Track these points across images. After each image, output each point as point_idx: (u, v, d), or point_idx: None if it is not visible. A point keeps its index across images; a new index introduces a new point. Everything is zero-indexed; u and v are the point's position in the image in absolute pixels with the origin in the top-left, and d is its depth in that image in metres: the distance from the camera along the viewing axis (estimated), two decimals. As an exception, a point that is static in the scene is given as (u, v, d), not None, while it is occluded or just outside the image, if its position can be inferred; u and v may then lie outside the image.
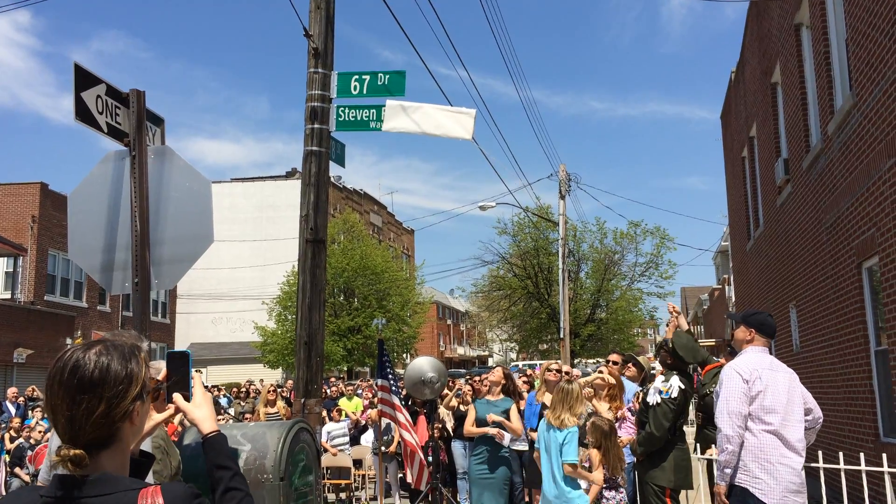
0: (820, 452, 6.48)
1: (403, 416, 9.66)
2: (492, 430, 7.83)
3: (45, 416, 12.58)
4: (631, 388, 8.10)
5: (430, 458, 9.74)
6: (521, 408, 8.75)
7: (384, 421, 10.40)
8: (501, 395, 8.23)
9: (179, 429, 4.44)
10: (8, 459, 11.78)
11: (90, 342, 1.81)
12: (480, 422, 7.97)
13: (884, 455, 6.49)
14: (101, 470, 1.74)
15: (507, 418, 7.95)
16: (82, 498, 1.69)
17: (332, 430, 12.07)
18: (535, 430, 7.92)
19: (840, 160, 9.10)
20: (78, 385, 1.72)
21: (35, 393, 16.60)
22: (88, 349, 1.77)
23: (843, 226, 9.13)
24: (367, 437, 12.47)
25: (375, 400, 10.67)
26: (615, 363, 8.54)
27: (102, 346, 1.79)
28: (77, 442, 1.72)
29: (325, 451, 11.56)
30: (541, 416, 7.83)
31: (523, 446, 8.58)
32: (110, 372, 1.75)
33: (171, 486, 1.75)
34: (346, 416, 13.22)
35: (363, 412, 14.01)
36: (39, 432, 11.99)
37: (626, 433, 7.35)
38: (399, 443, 10.23)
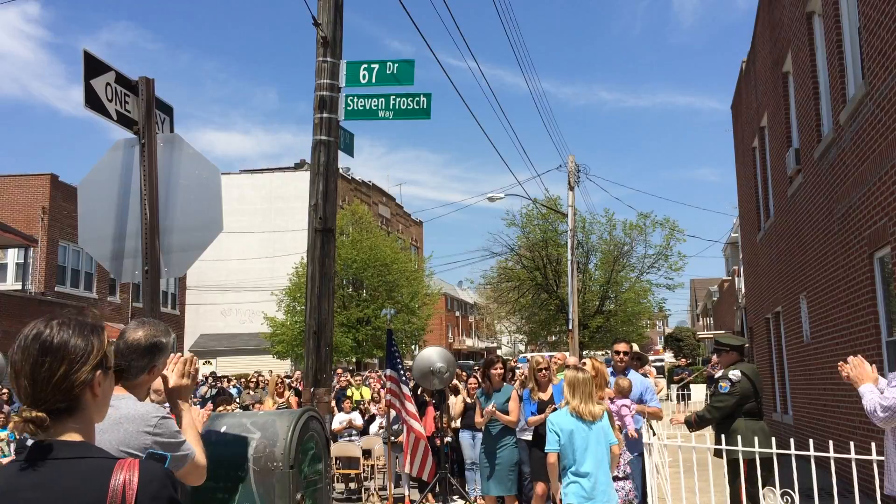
0: (831, 442, 6.45)
1: (413, 405, 9.70)
2: (503, 417, 8.05)
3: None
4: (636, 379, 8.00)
5: (440, 447, 9.76)
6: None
7: (392, 411, 10.43)
8: (503, 384, 8.42)
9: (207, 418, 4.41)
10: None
11: (51, 315, 1.88)
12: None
13: None
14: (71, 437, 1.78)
15: (507, 406, 8.14)
16: (55, 459, 1.71)
17: (344, 420, 12.24)
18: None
19: (852, 150, 9.03)
20: (40, 348, 1.78)
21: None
22: (51, 320, 1.85)
23: (854, 216, 9.06)
24: (377, 427, 12.53)
25: (384, 391, 10.70)
26: (625, 353, 8.41)
27: (64, 318, 1.86)
28: (39, 406, 1.76)
29: (338, 437, 11.77)
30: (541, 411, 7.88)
31: (530, 436, 8.60)
32: (71, 338, 1.82)
33: (150, 465, 1.77)
34: (358, 406, 13.30)
35: (370, 402, 14.11)
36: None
37: (632, 425, 7.33)
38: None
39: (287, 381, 15.89)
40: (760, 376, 7.14)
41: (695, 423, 7.28)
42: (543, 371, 8.05)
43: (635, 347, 8.70)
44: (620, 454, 6.41)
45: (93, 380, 1.83)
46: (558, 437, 5.79)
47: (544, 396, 7.96)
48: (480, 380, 9.02)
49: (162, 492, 1.73)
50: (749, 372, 7.06)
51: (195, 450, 3.00)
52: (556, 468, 5.88)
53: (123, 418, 2.85)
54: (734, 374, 6.97)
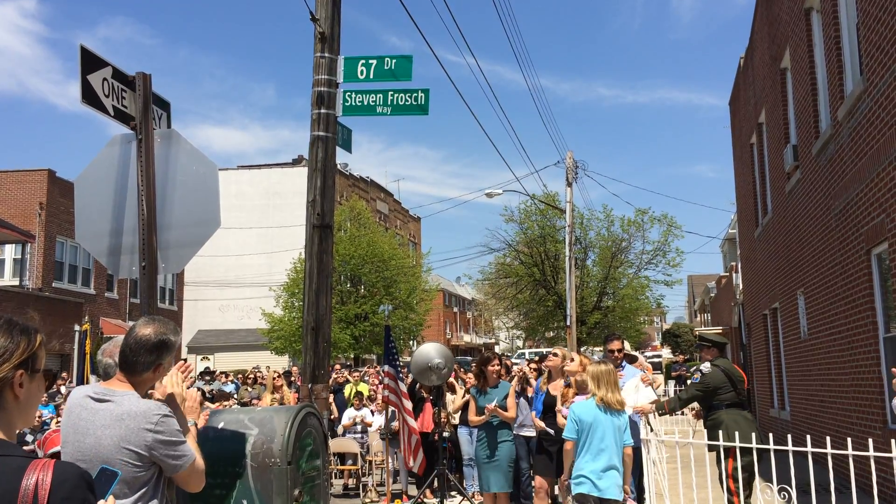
0: (828, 438, 6.45)
1: (409, 402, 9.72)
2: (503, 413, 7.99)
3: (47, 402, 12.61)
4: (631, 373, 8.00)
5: (438, 443, 9.77)
6: (530, 394, 8.75)
7: (391, 407, 10.44)
8: (499, 381, 8.36)
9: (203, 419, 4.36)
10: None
11: None
12: (481, 411, 8.12)
13: (892, 441, 6.45)
14: None
15: (506, 402, 8.08)
16: None
17: (356, 416, 12.36)
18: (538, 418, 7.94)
19: (850, 146, 9.03)
20: None
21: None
22: None
23: (852, 212, 9.07)
24: (375, 423, 12.55)
25: (381, 386, 10.70)
26: (619, 350, 8.41)
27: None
28: None
29: (346, 432, 12.03)
30: (547, 405, 7.83)
31: (531, 432, 8.60)
32: None
33: (65, 466, 1.74)
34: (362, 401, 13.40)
35: (366, 398, 14.15)
36: (50, 417, 12.06)
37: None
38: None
39: (284, 376, 15.86)
40: (736, 370, 7.55)
41: (667, 409, 7.78)
42: (551, 356, 8.09)
43: (626, 346, 8.80)
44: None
45: (13, 378, 1.81)
46: (577, 425, 5.94)
47: (553, 390, 7.88)
48: (475, 378, 9.00)
49: (75, 492, 1.69)
50: (722, 365, 7.48)
51: (195, 453, 3.00)
52: (571, 455, 5.99)
53: (125, 414, 2.85)
54: (705, 366, 7.53)
